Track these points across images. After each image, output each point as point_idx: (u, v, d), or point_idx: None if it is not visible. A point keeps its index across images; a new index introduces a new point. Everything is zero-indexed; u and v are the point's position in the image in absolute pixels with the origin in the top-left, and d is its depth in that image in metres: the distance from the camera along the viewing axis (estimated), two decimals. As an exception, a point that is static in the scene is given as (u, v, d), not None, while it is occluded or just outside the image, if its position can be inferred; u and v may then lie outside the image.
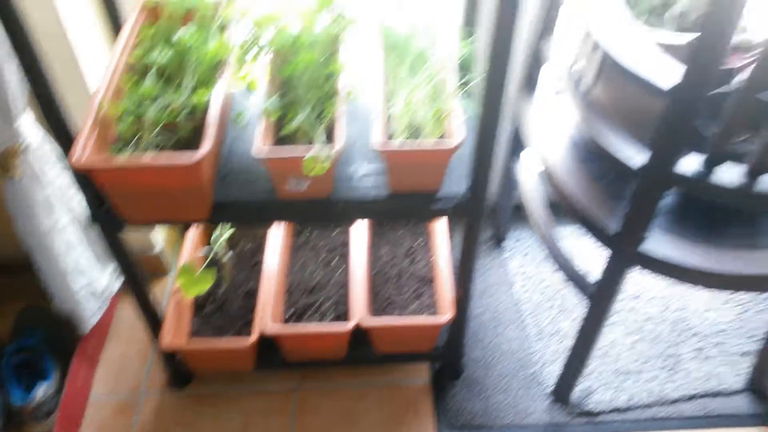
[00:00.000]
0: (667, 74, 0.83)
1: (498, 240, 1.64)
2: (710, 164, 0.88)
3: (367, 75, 1.05)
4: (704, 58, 0.78)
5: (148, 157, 0.86)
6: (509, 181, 1.46)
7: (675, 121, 0.84)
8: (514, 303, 1.52)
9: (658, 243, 1.02)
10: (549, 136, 1.18)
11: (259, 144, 0.90)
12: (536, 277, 1.57)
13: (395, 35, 1.06)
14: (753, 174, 0.87)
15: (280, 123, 0.97)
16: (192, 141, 0.93)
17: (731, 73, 1.02)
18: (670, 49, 0.92)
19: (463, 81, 1.06)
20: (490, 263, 1.60)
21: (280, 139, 0.96)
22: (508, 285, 1.56)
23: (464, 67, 1.08)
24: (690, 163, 0.89)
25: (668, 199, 1.08)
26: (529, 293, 1.54)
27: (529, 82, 1.26)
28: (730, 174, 0.89)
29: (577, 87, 1.05)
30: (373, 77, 1.02)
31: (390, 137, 0.97)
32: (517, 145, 1.37)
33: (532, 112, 1.24)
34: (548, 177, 1.15)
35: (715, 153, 0.87)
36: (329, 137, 0.95)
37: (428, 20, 1.07)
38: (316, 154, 0.89)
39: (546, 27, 1.14)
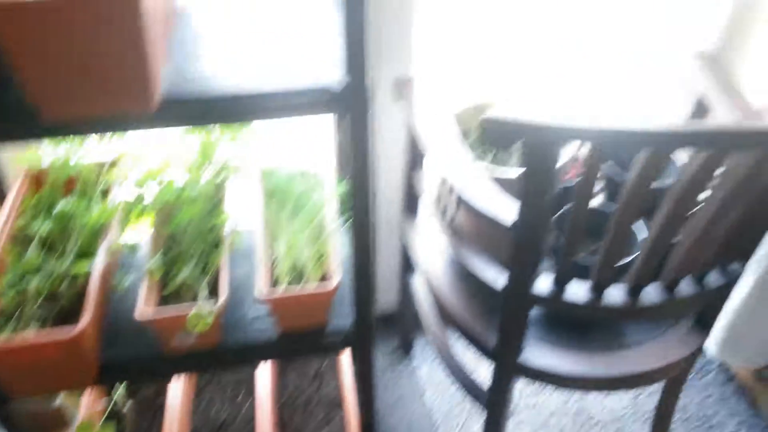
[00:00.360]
0: (508, 209, 0.93)
1: (405, 349, 1.69)
2: (560, 282, 0.98)
3: (250, 220, 1.11)
4: (532, 188, 0.85)
5: (27, 336, 0.87)
6: (407, 293, 1.53)
7: (523, 248, 0.94)
8: (427, 412, 1.55)
9: (535, 353, 1.10)
10: (430, 254, 1.27)
11: (141, 306, 0.93)
12: (445, 383, 1.61)
13: (276, 180, 1.13)
14: (597, 289, 0.97)
15: (165, 278, 1.01)
16: (76, 308, 0.94)
17: (572, 189, 1.15)
18: (507, 183, 1.03)
19: (341, 220, 1.14)
20: (399, 373, 1.64)
21: (165, 297, 1.00)
22: (419, 393, 1.60)
23: (343, 207, 1.17)
24: (546, 283, 0.99)
25: (538, 310, 1.17)
26: (440, 400, 1.58)
27: (411, 206, 1.37)
28: (579, 290, 0.98)
29: (444, 216, 1.15)
30: (256, 223, 1.08)
31: (275, 281, 1.02)
32: (408, 261, 1.45)
33: (416, 232, 1.34)
34: (432, 293, 1.23)
35: (562, 270, 0.97)
36: (215, 289, 0.99)
37: (306, 164, 1.15)
38: (198, 311, 0.93)
39: (414, 163, 1.26)
